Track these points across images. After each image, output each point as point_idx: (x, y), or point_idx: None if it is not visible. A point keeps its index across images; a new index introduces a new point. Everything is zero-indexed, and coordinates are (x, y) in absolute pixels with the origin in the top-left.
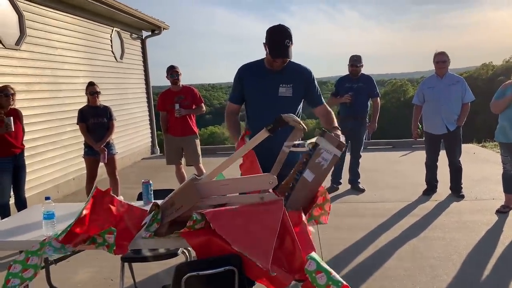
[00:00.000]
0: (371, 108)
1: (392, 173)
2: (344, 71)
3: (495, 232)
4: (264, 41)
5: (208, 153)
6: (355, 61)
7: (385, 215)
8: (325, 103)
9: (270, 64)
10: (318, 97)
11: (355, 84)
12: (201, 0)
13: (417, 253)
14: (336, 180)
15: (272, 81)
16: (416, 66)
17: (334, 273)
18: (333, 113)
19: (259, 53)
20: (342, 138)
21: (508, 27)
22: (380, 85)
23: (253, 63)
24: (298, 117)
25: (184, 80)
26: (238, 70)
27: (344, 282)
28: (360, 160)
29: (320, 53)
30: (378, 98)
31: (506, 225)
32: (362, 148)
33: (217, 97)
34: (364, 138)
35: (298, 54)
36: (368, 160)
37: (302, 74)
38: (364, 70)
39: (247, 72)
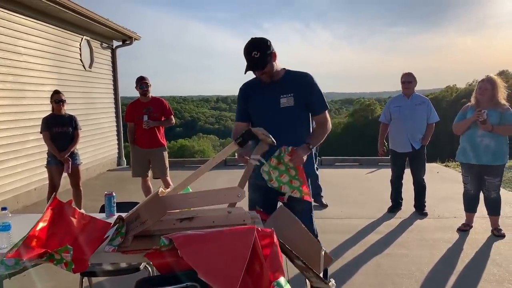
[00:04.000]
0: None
1: (359, 190)
2: None
3: (456, 249)
4: None
5: (176, 166)
6: None
7: (350, 231)
8: (324, 114)
9: (259, 79)
10: (315, 104)
11: None
12: (174, 13)
13: (381, 270)
14: None
15: (272, 92)
16: (384, 86)
17: None
18: (324, 128)
19: (231, 68)
20: (300, 157)
21: (471, 53)
22: (348, 104)
23: (252, 80)
24: (309, 126)
25: (155, 92)
26: (240, 89)
27: None
28: (318, 173)
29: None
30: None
31: (466, 243)
32: (317, 160)
33: (188, 109)
34: (316, 152)
35: None
36: (336, 176)
37: (301, 80)
38: (335, 89)
39: (247, 88)
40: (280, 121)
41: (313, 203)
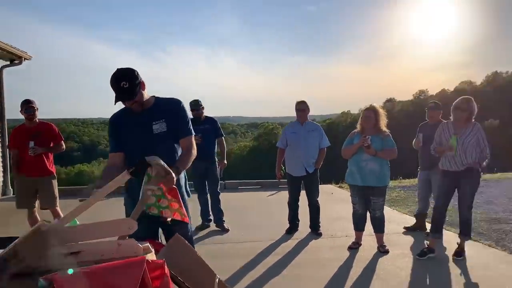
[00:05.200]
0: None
1: (260, 212)
2: (219, 112)
3: (346, 267)
4: None
5: (67, 194)
6: (194, 106)
7: (250, 254)
8: (189, 138)
9: (130, 108)
10: (180, 129)
11: (201, 126)
12: (75, 34)
13: None
14: (206, 218)
15: (144, 120)
16: (287, 111)
17: None
18: (190, 153)
19: None
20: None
21: (363, 81)
22: (254, 127)
23: (121, 110)
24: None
25: (49, 114)
26: (110, 121)
27: None
28: (220, 197)
29: (197, 95)
30: (223, 138)
31: (356, 260)
32: (219, 185)
33: (87, 133)
34: (219, 176)
35: (172, 94)
36: (239, 200)
37: (170, 106)
38: (241, 113)
39: (118, 119)
40: (155, 146)
41: (215, 228)
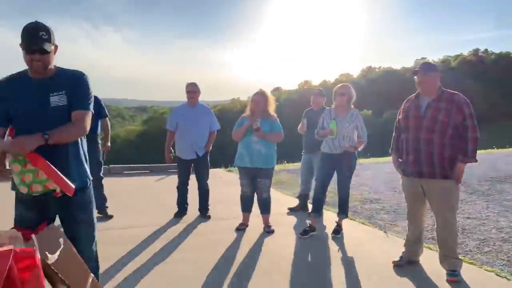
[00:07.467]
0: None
1: (146, 197)
2: (104, 94)
3: (234, 248)
4: (20, 42)
5: None
6: None
7: (135, 240)
8: (82, 112)
9: (31, 66)
10: (76, 101)
11: None
12: None
13: (166, 277)
14: None
15: (41, 90)
16: (177, 95)
17: None
18: (75, 126)
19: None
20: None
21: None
22: (142, 111)
23: (13, 75)
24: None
25: None
26: None
27: None
28: (103, 182)
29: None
30: (107, 119)
31: (243, 240)
32: (102, 169)
33: None
34: (101, 159)
35: None
36: (125, 185)
37: (73, 78)
38: (128, 95)
39: (9, 84)
40: (50, 121)
41: (98, 215)
